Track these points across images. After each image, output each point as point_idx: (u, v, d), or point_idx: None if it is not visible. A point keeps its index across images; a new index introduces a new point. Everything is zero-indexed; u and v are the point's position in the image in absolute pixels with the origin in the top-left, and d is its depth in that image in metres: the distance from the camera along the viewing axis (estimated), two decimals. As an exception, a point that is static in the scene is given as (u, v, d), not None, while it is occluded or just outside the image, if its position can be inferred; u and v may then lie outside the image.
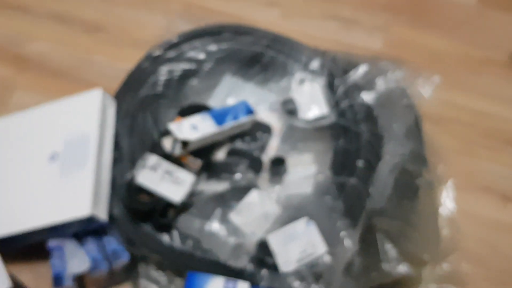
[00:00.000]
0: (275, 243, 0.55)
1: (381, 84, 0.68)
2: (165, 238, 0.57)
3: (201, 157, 0.61)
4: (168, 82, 0.68)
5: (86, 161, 0.57)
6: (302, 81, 0.69)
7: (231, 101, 0.69)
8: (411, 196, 0.61)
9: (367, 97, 0.67)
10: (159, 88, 0.68)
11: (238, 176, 0.60)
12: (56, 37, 0.82)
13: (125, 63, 0.78)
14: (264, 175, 0.63)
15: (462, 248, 0.64)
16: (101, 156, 0.59)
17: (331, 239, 0.56)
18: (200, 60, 0.70)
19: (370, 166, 0.61)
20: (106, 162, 0.60)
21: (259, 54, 0.71)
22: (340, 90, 0.68)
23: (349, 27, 0.86)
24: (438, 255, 0.57)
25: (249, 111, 0.65)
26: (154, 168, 0.58)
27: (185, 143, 0.59)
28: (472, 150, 0.74)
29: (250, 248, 0.56)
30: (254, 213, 0.57)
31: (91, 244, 0.57)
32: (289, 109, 0.67)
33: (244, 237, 0.56)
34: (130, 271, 0.60)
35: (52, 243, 0.56)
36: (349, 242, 0.55)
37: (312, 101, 0.67)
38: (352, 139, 0.64)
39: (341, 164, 0.63)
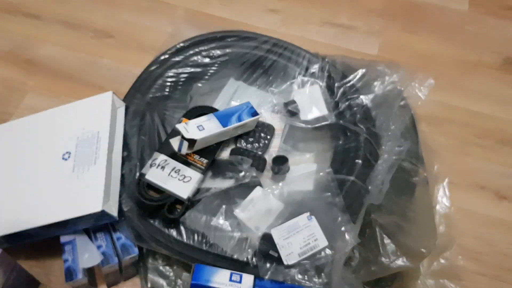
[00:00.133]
0: (279, 237, 0.56)
1: (378, 86, 0.69)
2: (173, 233, 0.57)
3: (207, 156, 0.62)
4: (175, 85, 0.70)
5: (98, 159, 0.58)
6: (303, 84, 0.70)
7: (235, 103, 0.70)
8: (408, 193, 0.62)
9: (365, 99, 0.69)
10: (166, 91, 0.69)
11: (242, 174, 0.61)
12: (65, 42, 0.84)
13: (132, 67, 0.80)
14: (267, 173, 0.64)
15: (458, 244, 0.66)
16: (112, 154, 0.60)
17: (332, 233, 0.56)
18: (205, 64, 0.72)
19: (368, 164, 0.62)
20: (116, 161, 0.61)
21: (262, 58, 0.72)
22: (339, 92, 0.69)
23: (346, 33, 0.88)
24: (434, 248, 0.58)
25: (253, 112, 0.66)
26: (162, 166, 0.60)
27: (191, 142, 0.60)
28: (467, 149, 0.75)
29: (254, 242, 0.56)
30: (258, 209, 0.58)
31: (102, 239, 0.58)
32: (291, 111, 0.68)
33: (248, 232, 0.57)
34: (139, 265, 0.61)
35: (64, 238, 0.58)
36: (349, 237, 0.56)
37: (313, 103, 0.68)
38: (351, 138, 0.65)
39: (341, 163, 0.63)
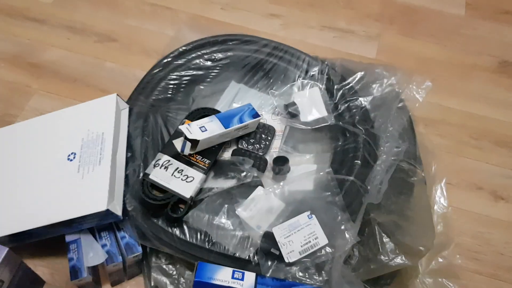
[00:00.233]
0: (280, 235, 0.57)
1: (376, 88, 0.70)
2: (176, 232, 0.58)
3: (209, 156, 0.63)
4: (178, 87, 0.71)
5: (102, 160, 0.59)
6: (303, 86, 0.71)
7: (236, 105, 0.71)
8: (407, 193, 0.63)
9: (363, 100, 0.69)
10: (169, 93, 0.70)
11: (244, 174, 0.61)
12: (70, 46, 0.85)
13: (134, 70, 0.82)
14: (268, 174, 0.65)
15: (456, 243, 0.66)
16: (116, 155, 0.61)
17: (332, 232, 0.57)
18: (207, 67, 0.73)
19: (367, 165, 0.63)
20: (121, 161, 0.62)
21: (262, 62, 0.73)
22: (339, 94, 0.70)
23: (345, 36, 0.90)
24: (433, 246, 0.58)
25: (254, 114, 0.67)
26: (165, 166, 0.61)
27: (194, 143, 0.61)
28: (463, 151, 0.76)
29: (256, 241, 0.57)
30: (259, 208, 0.59)
31: (106, 238, 0.59)
32: (291, 112, 0.69)
33: (250, 230, 0.57)
34: (143, 264, 0.62)
35: (69, 237, 0.59)
36: (348, 235, 0.57)
37: (313, 105, 0.69)
38: (351, 139, 0.66)
39: (341, 163, 0.64)
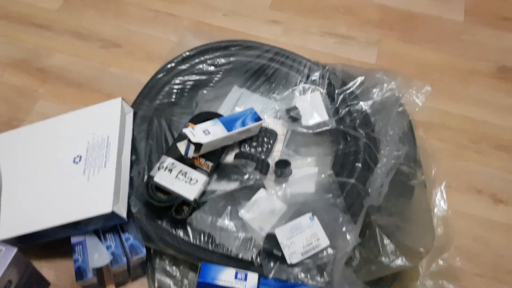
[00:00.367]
0: (282, 237, 0.57)
1: (377, 93, 0.71)
2: (180, 233, 0.59)
3: (213, 159, 0.64)
4: (181, 92, 0.72)
5: (107, 162, 0.60)
6: (304, 91, 0.72)
7: (239, 109, 0.72)
8: (407, 195, 0.63)
9: (364, 105, 0.70)
10: (173, 97, 0.71)
11: (246, 176, 0.62)
12: (75, 52, 0.87)
13: (139, 74, 0.83)
14: (270, 177, 0.65)
15: (456, 245, 0.67)
16: (121, 158, 0.62)
17: (333, 233, 0.58)
18: (210, 72, 0.74)
19: (368, 168, 0.64)
20: (125, 164, 0.63)
21: (264, 67, 0.74)
22: (340, 99, 0.71)
23: (345, 42, 0.91)
24: (433, 248, 0.59)
25: (256, 118, 0.68)
26: (170, 169, 0.62)
27: (198, 146, 0.62)
28: (463, 154, 0.77)
29: (258, 242, 0.57)
30: (262, 209, 0.59)
31: (111, 240, 0.60)
32: (293, 116, 0.69)
33: (253, 232, 0.58)
34: (147, 266, 0.63)
35: (74, 239, 0.60)
36: (350, 237, 0.57)
37: (314, 109, 0.70)
38: (351, 143, 0.67)
39: (342, 166, 0.65)
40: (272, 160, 0.67)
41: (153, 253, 0.63)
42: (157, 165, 0.62)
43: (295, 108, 0.70)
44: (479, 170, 0.76)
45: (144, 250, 0.59)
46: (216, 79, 0.74)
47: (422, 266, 0.64)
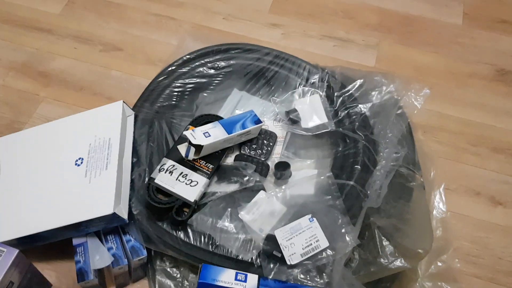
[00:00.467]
0: (282, 238, 0.58)
1: (375, 96, 0.72)
2: (180, 235, 0.59)
3: (213, 161, 0.65)
4: (182, 95, 0.72)
5: (109, 164, 0.61)
6: (303, 94, 0.73)
7: (239, 112, 0.73)
8: (406, 197, 0.63)
9: (363, 107, 0.71)
10: (174, 100, 0.72)
11: (246, 178, 0.63)
12: (76, 56, 0.87)
13: (140, 78, 0.83)
14: (270, 179, 0.66)
15: (454, 247, 0.67)
16: (122, 160, 0.63)
17: (332, 235, 0.58)
18: (210, 75, 0.74)
19: (367, 170, 0.64)
20: (127, 166, 0.63)
21: (264, 70, 0.75)
22: (339, 101, 0.72)
23: (344, 45, 0.91)
24: (431, 249, 0.59)
25: (256, 120, 0.68)
26: (170, 171, 0.62)
27: (198, 148, 0.62)
28: (461, 157, 0.77)
29: (258, 243, 0.58)
30: (261, 211, 0.60)
31: (112, 242, 0.60)
32: (292, 119, 0.70)
33: (253, 233, 0.58)
34: (147, 267, 0.63)
35: (76, 241, 0.60)
36: (349, 238, 0.57)
37: (313, 112, 0.70)
38: (351, 145, 0.67)
39: (341, 168, 0.65)
40: (272, 162, 0.67)
41: (153, 254, 0.63)
42: (158, 167, 0.63)
43: (295, 110, 0.71)
44: (477, 173, 0.76)
45: (145, 252, 0.60)
46: (216, 82, 0.75)
47: (421, 268, 0.65)
